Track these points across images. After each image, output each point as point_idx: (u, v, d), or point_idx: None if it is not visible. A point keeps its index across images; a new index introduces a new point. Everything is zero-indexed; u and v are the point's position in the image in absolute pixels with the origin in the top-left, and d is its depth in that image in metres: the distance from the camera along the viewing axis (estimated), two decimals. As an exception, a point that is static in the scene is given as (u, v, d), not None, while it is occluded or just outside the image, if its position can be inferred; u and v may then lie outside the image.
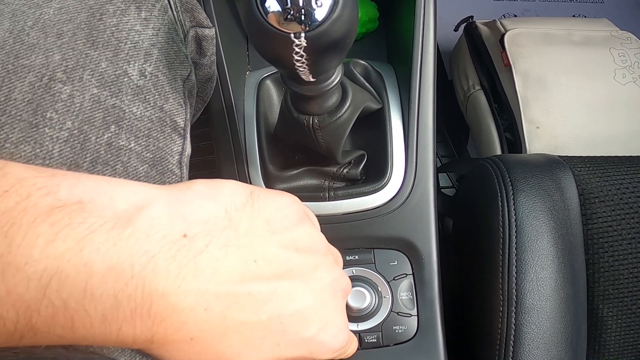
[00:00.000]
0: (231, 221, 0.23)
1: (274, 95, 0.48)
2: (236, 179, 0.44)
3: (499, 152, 0.78)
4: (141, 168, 0.29)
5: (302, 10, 0.23)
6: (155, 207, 0.21)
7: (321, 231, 0.42)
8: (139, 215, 0.20)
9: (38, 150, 0.25)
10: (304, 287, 0.24)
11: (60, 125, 0.26)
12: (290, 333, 0.23)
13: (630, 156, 0.50)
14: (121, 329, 0.19)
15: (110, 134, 0.28)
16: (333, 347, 0.26)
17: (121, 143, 0.28)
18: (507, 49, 0.76)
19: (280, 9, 0.23)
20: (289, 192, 0.42)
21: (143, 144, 0.29)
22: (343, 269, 0.42)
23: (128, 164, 0.28)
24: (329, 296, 0.25)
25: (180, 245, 0.20)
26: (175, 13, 0.34)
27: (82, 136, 0.27)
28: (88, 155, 0.27)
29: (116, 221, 0.19)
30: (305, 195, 0.43)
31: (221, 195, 0.24)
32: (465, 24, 0.90)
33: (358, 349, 0.42)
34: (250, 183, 0.44)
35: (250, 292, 0.22)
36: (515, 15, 1.19)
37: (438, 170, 0.78)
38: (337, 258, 0.30)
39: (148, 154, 0.30)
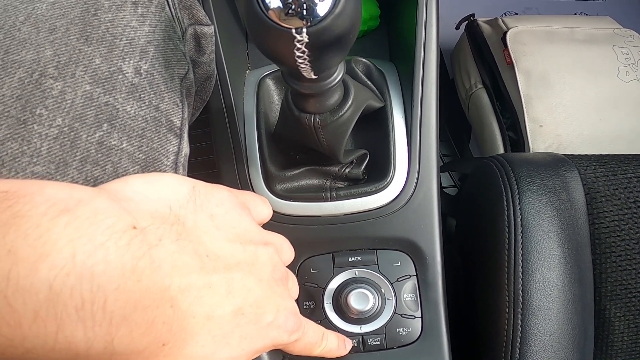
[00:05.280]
0: (177, 217, 0.22)
1: (275, 94, 0.48)
2: (236, 179, 0.43)
3: (501, 151, 0.77)
4: (132, 169, 0.28)
5: (304, 5, 0.22)
6: (97, 200, 0.19)
7: (322, 231, 0.42)
8: (79, 205, 0.18)
9: (25, 147, 0.24)
10: (253, 278, 0.24)
11: (50, 122, 0.25)
12: (252, 323, 0.24)
13: (637, 154, 0.50)
14: (62, 330, 0.16)
15: (102, 133, 0.27)
16: (287, 329, 0.26)
17: (113, 142, 0.27)
18: (509, 47, 0.75)
19: (281, 4, 0.23)
20: (291, 193, 0.43)
21: (136, 144, 0.29)
22: (345, 270, 0.42)
23: (118, 165, 0.28)
24: (274, 284, 0.26)
25: (132, 235, 0.18)
26: (172, 10, 0.33)
27: (72, 134, 0.26)
28: (78, 153, 0.26)
29: (50, 207, 0.17)
30: (307, 195, 0.42)
31: (163, 191, 0.23)
32: (467, 22, 0.89)
33: (361, 352, 0.41)
34: (251, 183, 0.43)
35: (211, 284, 0.21)
36: (516, 13, 1.18)
37: (440, 170, 0.77)
38: (280, 246, 0.30)
39: (140, 155, 0.29)
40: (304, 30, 0.23)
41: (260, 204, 0.31)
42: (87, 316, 0.16)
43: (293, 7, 0.22)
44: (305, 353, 0.31)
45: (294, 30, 0.23)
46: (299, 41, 0.23)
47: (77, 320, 0.16)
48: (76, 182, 0.26)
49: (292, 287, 0.31)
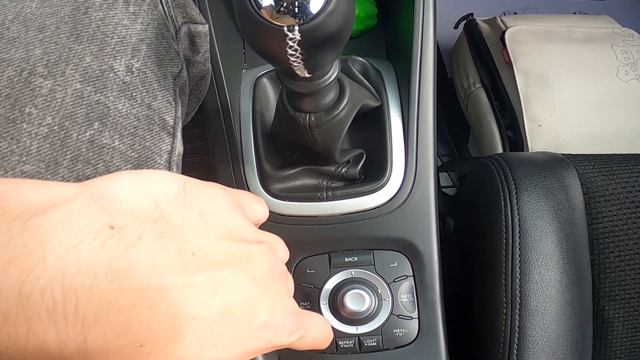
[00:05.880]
0: (162, 214, 0.21)
1: (271, 94, 0.47)
2: (232, 179, 0.43)
3: (500, 150, 0.77)
4: (124, 168, 0.28)
5: (296, 3, 0.22)
6: (74, 201, 0.18)
7: (318, 231, 0.42)
8: (53, 207, 0.18)
9: (15, 146, 0.24)
10: (245, 276, 0.24)
11: (40, 121, 0.25)
12: (243, 324, 0.23)
13: (636, 154, 0.49)
14: (33, 332, 0.16)
15: (93, 131, 0.27)
16: (286, 329, 0.25)
17: (104, 141, 0.27)
18: (508, 47, 0.75)
19: (272, 2, 0.22)
20: (287, 192, 0.42)
21: (128, 142, 0.28)
22: (341, 271, 0.42)
23: (110, 163, 0.27)
24: (270, 282, 0.25)
25: (107, 235, 0.18)
26: (165, 8, 0.33)
27: (62, 132, 0.25)
28: (68, 152, 0.26)
29: (23, 211, 0.17)
30: (303, 195, 0.42)
31: (150, 187, 0.22)
32: (465, 21, 0.89)
33: (357, 353, 0.41)
34: (247, 183, 0.43)
35: (196, 284, 0.21)
36: (515, 13, 1.18)
37: (438, 169, 0.77)
38: (275, 245, 0.29)
39: (133, 154, 0.29)
40: (296, 28, 0.22)
41: (257, 204, 0.31)
42: (58, 317, 0.16)
43: (285, 4, 0.22)
44: (314, 348, 0.30)
45: (286, 28, 0.23)
46: (291, 39, 0.23)
47: (49, 322, 0.16)
48: (67, 182, 0.26)
49: (290, 285, 0.30)
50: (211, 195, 0.24)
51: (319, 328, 0.29)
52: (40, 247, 0.16)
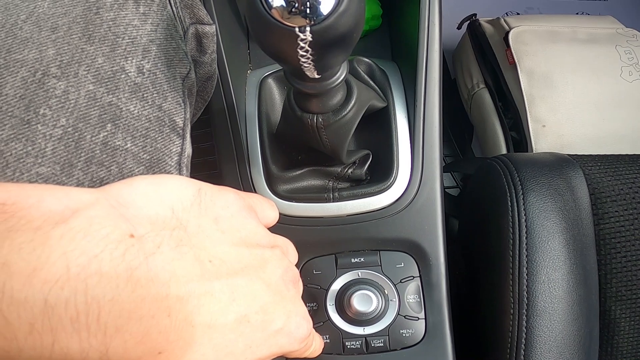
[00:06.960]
0: (179, 221, 0.22)
1: (276, 94, 0.47)
2: (238, 180, 0.43)
3: (504, 151, 0.77)
4: (137, 170, 0.28)
5: (307, 3, 0.22)
6: (93, 208, 0.19)
7: (325, 232, 0.42)
8: (75, 216, 0.18)
9: (30, 148, 0.24)
10: (260, 283, 0.24)
11: (54, 122, 0.25)
12: (258, 331, 0.23)
13: (642, 154, 0.49)
14: (58, 342, 0.16)
15: (106, 133, 0.27)
16: (299, 336, 0.26)
17: (117, 143, 0.27)
18: (511, 47, 0.75)
19: (284, 3, 0.22)
20: (293, 193, 0.42)
21: (140, 144, 0.28)
22: (348, 271, 0.42)
23: (123, 165, 0.27)
24: (284, 288, 0.26)
25: (127, 244, 0.18)
26: (174, 9, 0.33)
27: (76, 134, 0.26)
28: (83, 154, 0.26)
29: (45, 220, 0.17)
30: (309, 196, 0.42)
31: (167, 194, 0.22)
32: (469, 22, 0.89)
33: (364, 354, 0.41)
34: (253, 184, 0.43)
35: (213, 292, 0.21)
36: (518, 13, 1.18)
37: (443, 170, 0.77)
38: (286, 248, 0.30)
39: (145, 155, 0.29)
40: (308, 28, 0.22)
41: (268, 207, 0.31)
42: (81, 328, 0.17)
43: (296, 5, 0.22)
44: (310, 356, 0.30)
45: (297, 29, 0.23)
46: (302, 40, 0.23)
47: (72, 332, 0.16)
48: (82, 184, 0.26)
49: (300, 288, 0.31)
50: (225, 200, 0.25)
51: (319, 338, 0.30)
52: (63, 258, 0.17)
